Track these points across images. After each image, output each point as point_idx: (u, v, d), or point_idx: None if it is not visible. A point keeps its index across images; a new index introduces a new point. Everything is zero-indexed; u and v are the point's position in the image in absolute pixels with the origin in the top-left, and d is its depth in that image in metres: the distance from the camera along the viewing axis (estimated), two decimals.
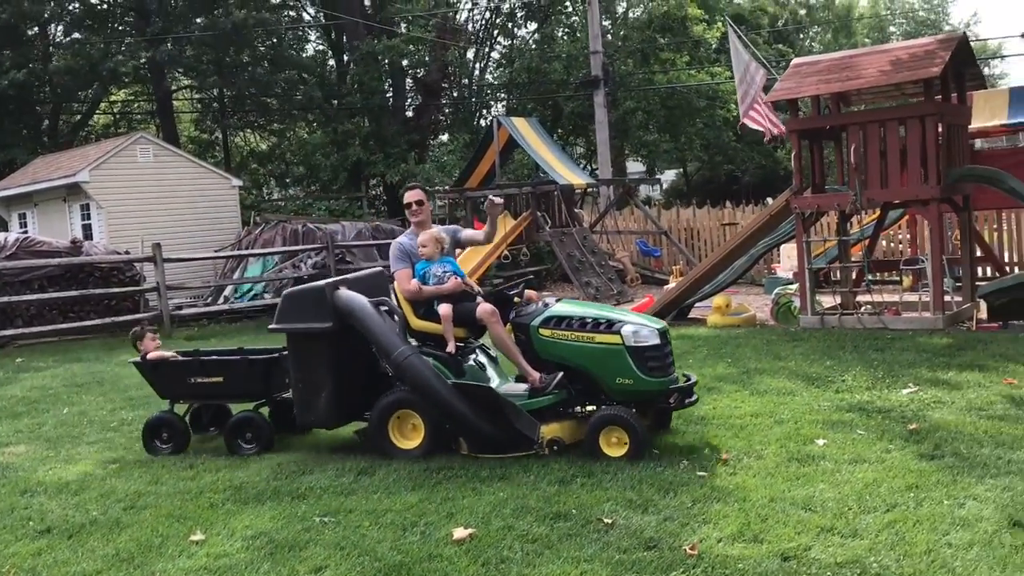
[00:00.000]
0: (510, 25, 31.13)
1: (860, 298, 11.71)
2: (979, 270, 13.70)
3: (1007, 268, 14.34)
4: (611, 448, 5.73)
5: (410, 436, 6.15)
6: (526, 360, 6.13)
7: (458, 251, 6.95)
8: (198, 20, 25.38)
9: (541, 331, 6.07)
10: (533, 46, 30.27)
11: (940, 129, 10.69)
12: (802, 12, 50.90)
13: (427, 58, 27.64)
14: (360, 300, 6.18)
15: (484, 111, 30.21)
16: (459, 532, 4.62)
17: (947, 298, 10.95)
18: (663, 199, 40.42)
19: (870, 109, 12.81)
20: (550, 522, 4.72)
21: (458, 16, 30.17)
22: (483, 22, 30.99)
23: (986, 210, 14.89)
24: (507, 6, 29.85)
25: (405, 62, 26.92)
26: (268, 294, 16.95)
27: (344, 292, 6.24)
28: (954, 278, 11.83)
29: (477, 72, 30.71)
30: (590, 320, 6.03)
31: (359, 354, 6.36)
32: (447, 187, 19.84)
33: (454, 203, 20.19)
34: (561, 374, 6.00)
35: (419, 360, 5.97)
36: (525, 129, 18.20)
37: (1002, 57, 53.09)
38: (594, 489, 5.19)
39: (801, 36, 48.89)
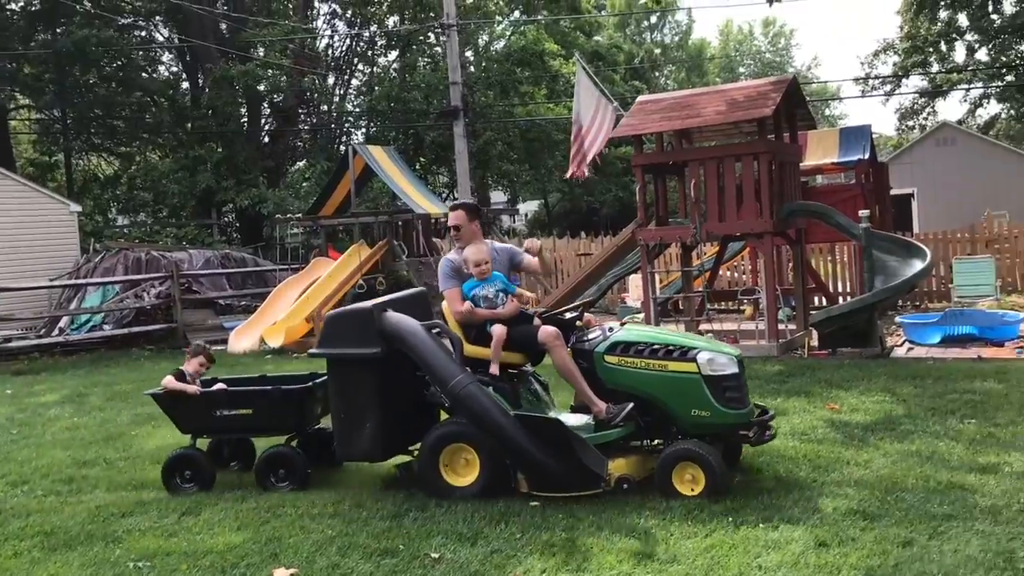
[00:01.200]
0: (371, 53, 31.03)
1: (702, 327, 12.12)
2: (815, 300, 14.47)
3: (838, 298, 15.19)
4: (684, 486, 5.25)
5: (463, 472, 5.60)
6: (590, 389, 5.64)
7: (514, 275, 6.35)
8: (39, 37, 24.15)
9: (607, 358, 5.59)
10: (394, 74, 30.26)
11: (773, 166, 11.25)
12: (657, 51, 52.91)
13: (284, 84, 27.19)
14: (411, 323, 5.66)
15: (344, 138, 29.91)
16: (280, 573, 4.47)
17: (782, 327, 11.48)
18: (526, 230, 40.98)
19: (710, 146, 13.38)
20: (377, 559, 4.63)
21: (317, 43, 29.85)
22: (343, 49, 30.78)
23: (820, 243, 15.75)
24: (368, 34, 29.75)
25: (261, 87, 26.38)
26: (108, 325, 16.13)
27: (392, 315, 5.72)
28: (789, 307, 12.42)
29: (337, 99, 30.42)
30: (661, 346, 5.57)
31: (406, 382, 5.84)
32: (299, 215, 19.47)
33: (309, 231, 19.80)
34: (631, 405, 5.48)
35: (479, 390, 5.44)
36: (382, 157, 18.09)
37: (840, 99, 56.61)
38: (426, 523, 5.13)
39: (656, 74, 50.77)
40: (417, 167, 28.88)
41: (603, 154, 14.94)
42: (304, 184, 25.84)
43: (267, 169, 25.50)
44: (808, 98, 19.00)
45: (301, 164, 29.94)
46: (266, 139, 28.30)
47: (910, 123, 41.02)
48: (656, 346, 5.57)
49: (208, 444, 6.52)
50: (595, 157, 14.14)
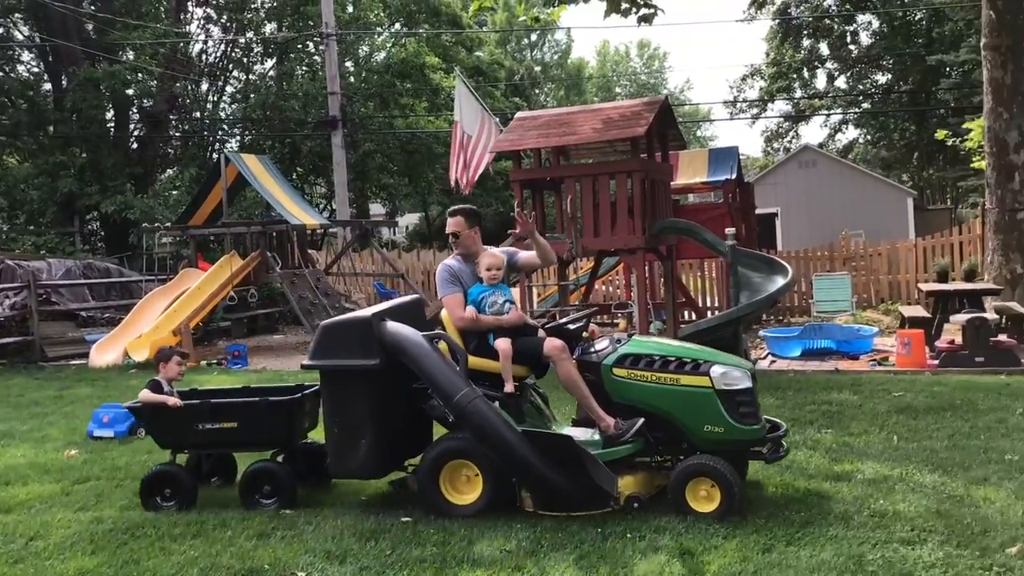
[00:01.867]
0: (247, 60, 30.30)
1: None
2: (685, 314, 14.90)
3: (706, 312, 15.68)
4: (699, 503, 5.09)
5: (464, 490, 5.39)
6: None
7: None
8: None
9: (615, 371, 5.36)
10: (270, 83, 29.63)
11: (646, 184, 11.54)
12: (537, 69, 53.66)
13: (154, 88, 26.21)
14: (412, 334, 5.42)
15: (217, 146, 29.06)
16: None
17: None
18: (406, 242, 40.76)
19: (585, 163, 13.63)
20: None
21: (191, 47, 28.95)
22: (218, 55, 29.94)
23: (690, 259, 16.26)
24: (244, 40, 29.05)
25: (130, 91, 25.36)
26: None
27: (393, 325, 5.49)
28: (661, 321, 12.75)
29: (210, 106, 29.55)
30: (673, 359, 5.35)
31: (403, 394, 5.59)
32: (168, 224, 18.78)
33: (178, 240, 19.11)
34: (641, 421, 5.28)
35: (485, 405, 5.21)
36: (256, 167, 17.65)
37: (710, 120, 58.70)
38: (293, 542, 5.00)
39: (536, 91, 51.47)
40: (293, 177, 28.30)
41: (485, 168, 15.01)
42: (174, 192, 24.94)
43: (135, 176, 24.48)
44: (680, 119, 19.63)
45: (171, 171, 28.91)
46: (134, 145, 27.19)
47: (775, 145, 43.00)
48: (668, 359, 5.36)
49: (187, 459, 6.16)
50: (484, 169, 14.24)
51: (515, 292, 6.70)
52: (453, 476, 5.40)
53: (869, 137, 38.97)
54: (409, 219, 46.91)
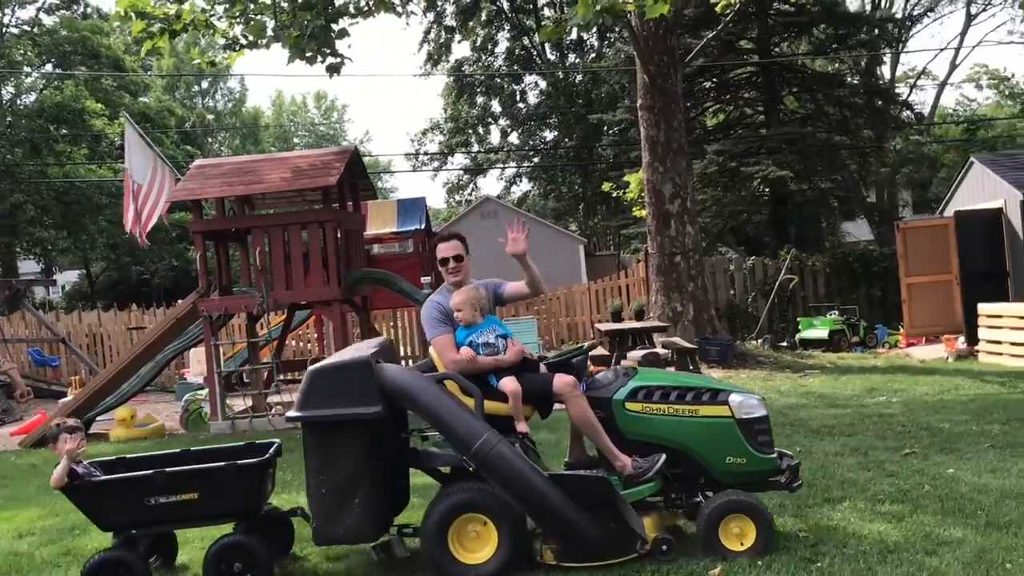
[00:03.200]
0: None
1: (271, 399, 11.72)
2: None
3: (402, 362, 15.68)
4: (732, 540, 4.75)
5: (473, 547, 4.74)
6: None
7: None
8: None
9: (628, 405, 4.97)
10: None
11: (339, 234, 11.33)
12: (210, 117, 51.60)
13: None
14: (417, 376, 4.87)
15: None
16: None
17: None
18: (64, 302, 37.00)
19: (275, 213, 13.15)
20: None
21: None
22: None
23: (383, 309, 16.21)
24: None
25: None
26: None
27: (392, 367, 4.89)
28: None
29: None
30: (689, 390, 5.03)
31: (392, 444, 4.99)
32: None
33: None
34: (663, 457, 4.87)
35: (509, 449, 4.69)
36: None
37: (391, 172, 59.73)
38: None
39: (210, 140, 49.43)
40: None
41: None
42: None
43: None
44: None
45: None
46: None
47: (457, 197, 44.58)
48: (683, 389, 5.06)
49: (118, 539, 5.02)
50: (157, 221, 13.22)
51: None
52: (460, 532, 4.78)
53: (540, 189, 41.63)
54: (67, 276, 42.74)
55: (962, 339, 13.84)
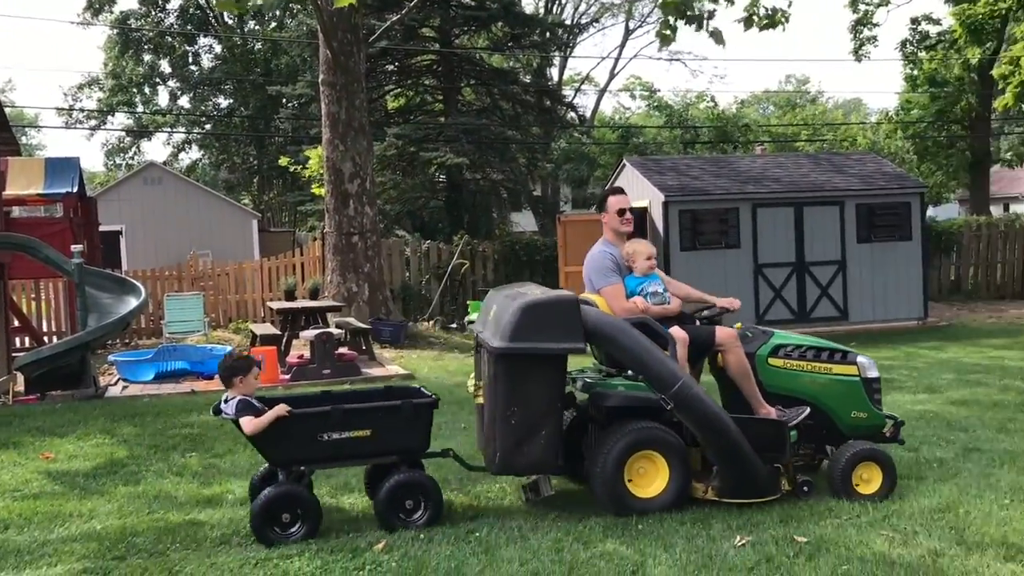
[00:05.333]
0: None
1: None
2: (17, 341, 13.28)
3: (45, 338, 14.22)
4: (861, 486, 5.27)
5: (642, 484, 5.09)
6: None
7: None
8: None
9: (771, 361, 5.47)
10: None
11: None
12: None
13: None
14: (616, 319, 5.19)
15: None
16: None
17: None
18: None
19: None
20: None
21: None
22: None
23: (23, 279, 14.55)
24: None
25: None
26: None
27: (591, 309, 5.15)
28: None
29: None
30: (825, 350, 5.57)
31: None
32: None
33: None
34: (808, 409, 5.40)
35: (703, 392, 5.05)
36: None
37: (39, 127, 53.78)
38: None
39: None
40: None
41: None
42: None
43: None
44: None
45: None
46: None
47: (118, 160, 41.11)
48: (820, 349, 5.56)
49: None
50: None
51: None
52: (630, 470, 5.07)
53: (211, 158, 39.59)
54: None
55: None
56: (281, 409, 4.89)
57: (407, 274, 18.07)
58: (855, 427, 5.54)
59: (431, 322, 16.52)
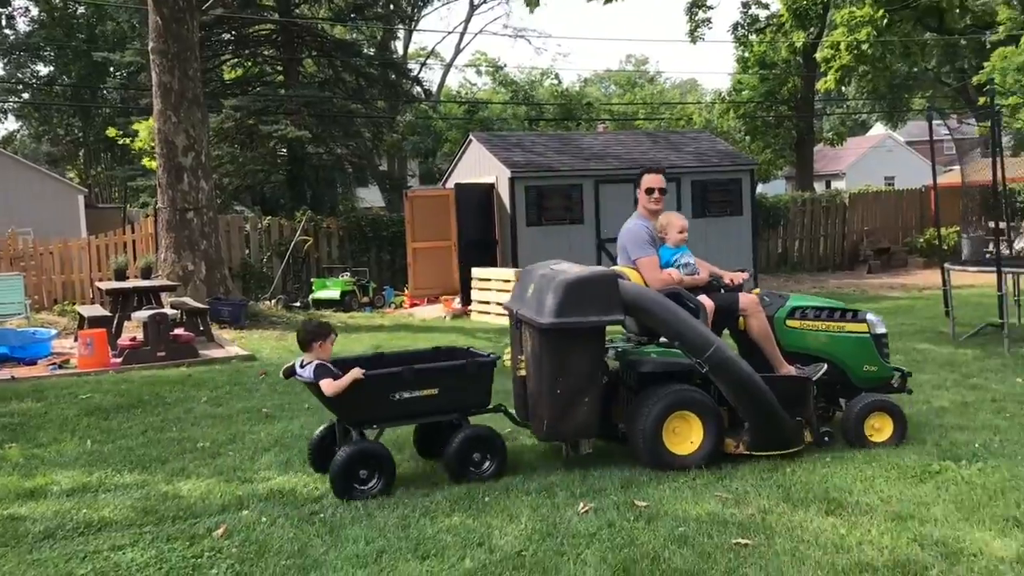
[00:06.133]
0: None
1: None
2: None
3: None
4: (873, 434, 5.75)
5: (677, 442, 5.39)
6: None
7: None
8: None
9: (788, 322, 5.92)
10: None
11: None
12: None
13: None
14: (650, 290, 5.55)
15: None
16: None
17: None
18: None
19: None
20: None
21: None
22: None
23: None
24: None
25: None
26: None
27: (627, 283, 5.45)
28: None
29: None
30: (837, 310, 6.04)
31: None
32: None
33: None
34: (825, 366, 5.86)
35: (736, 355, 5.50)
36: None
37: None
38: None
39: None
40: None
41: None
42: None
43: None
44: None
45: None
46: None
47: None
48: (831, 310, 6.02)
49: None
50: None
51: None
52: (666, 430, 5.40)
53: (31, 130, 36.96)
54: None
55: (458, 300, 15.21)
56: (357, 372, 5.11)
57: (247, 251, 17.49)
58: (867, 380, 6.03)
59: (273, 301, 16.06)
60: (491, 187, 15.76)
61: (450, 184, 17.35)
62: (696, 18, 27.37)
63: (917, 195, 23.52)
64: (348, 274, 16.87)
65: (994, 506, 4.58)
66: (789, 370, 5.75)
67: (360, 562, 4.11)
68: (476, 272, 14.67)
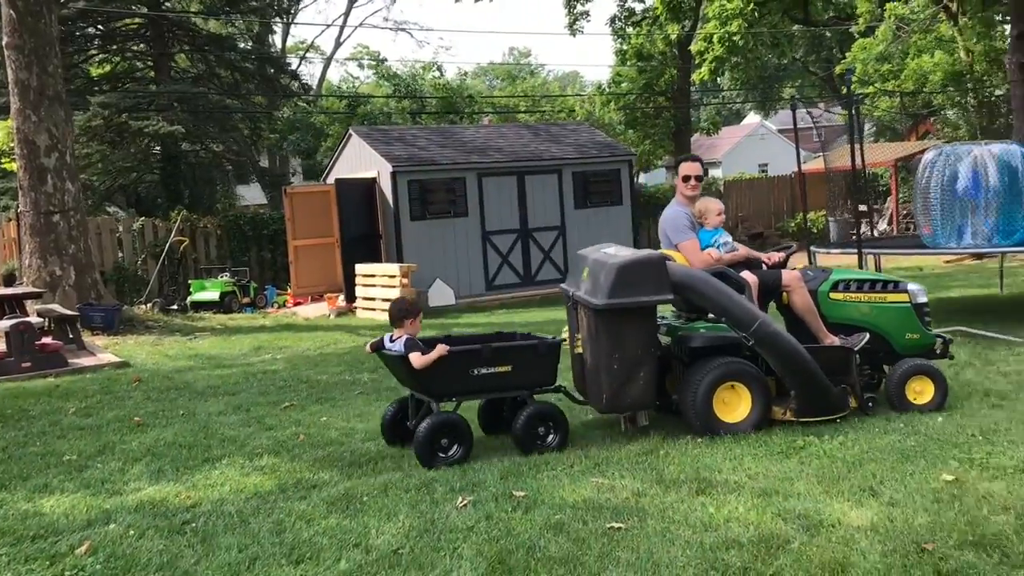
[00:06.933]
0: None
1: None
2: None
3: None
4: (914, 397, 6.02)
5: (726, 411, 5.74)
6: None
7: None
8: None
9: (832, 295, 6.17)
10: None
11: None
12: None
13: None
14: (696, 270, 5.89)
15: None
16: None
17: None
18: None
19: None
20: None
21: None
22: None
23: None
24: None
25: None
26: None
27: (673, 264, 5.80)
28: None
29: None
30: (878, 282, 6.30)
31: None
32: None
33: None
34: (867, 336, 6.07)
35: (779, 327, 5.78)
36: None
37: None
38: None
39: None
40: None
41: None
42: None
43: None
44: None
45: None
46: None
47: None
48: (874, 281, 6.31)
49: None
50: None
51: None
52: (716, 400, 5.69)
53: None
54: None
55: (342, 297, 15.02)
56: (443, 348, 5.48)
57: (120, 254, 16.85)
58: (910, 347, 6.28)
59: (149, 305, 15.52)
60: (373, 182, 15.60)
61: (331, 179, 17.09)
62: (575, 11, 27.76)
63: (788, 181, 24.49)
64: (228, 274, 16.45)
65: (852, 478, 4.80)
66: (833, 340, 6.04)
67: (232, 570, 4.01)
68: (360, 268, 14.51)
